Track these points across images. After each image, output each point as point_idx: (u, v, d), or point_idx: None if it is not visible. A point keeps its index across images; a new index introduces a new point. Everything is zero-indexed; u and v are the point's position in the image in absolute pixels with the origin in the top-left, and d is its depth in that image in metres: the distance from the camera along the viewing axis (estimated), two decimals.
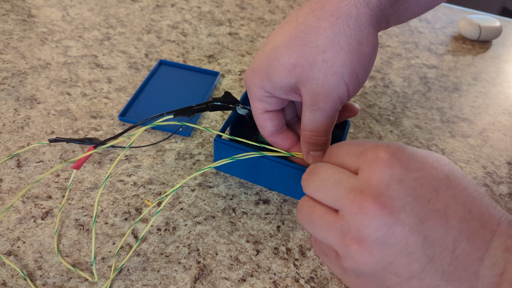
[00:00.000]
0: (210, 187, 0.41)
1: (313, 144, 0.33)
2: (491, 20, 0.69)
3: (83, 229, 0.36)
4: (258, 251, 0.36)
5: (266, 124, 0.34)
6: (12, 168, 0.40)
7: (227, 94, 0.38)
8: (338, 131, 0.42)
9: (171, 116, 0.35)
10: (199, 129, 0.47)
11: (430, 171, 0.22)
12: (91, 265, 0.34)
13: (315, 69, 0.28)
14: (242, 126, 0.44)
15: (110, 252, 0.35)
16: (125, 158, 0.43)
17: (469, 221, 0.21)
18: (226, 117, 0.49)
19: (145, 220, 0.37)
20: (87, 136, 0.44)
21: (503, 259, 0.20)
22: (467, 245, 0.20)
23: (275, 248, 0.36)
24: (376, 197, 0.21)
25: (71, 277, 0.33)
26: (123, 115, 0.47)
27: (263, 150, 0.36)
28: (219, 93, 0.52)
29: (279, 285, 0.34)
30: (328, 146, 0.33)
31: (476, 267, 0.20)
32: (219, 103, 0.37)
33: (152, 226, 0.37)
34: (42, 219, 0.36)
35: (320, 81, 0.29)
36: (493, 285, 0.20)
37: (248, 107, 0.38)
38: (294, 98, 0.32)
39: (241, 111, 0.39)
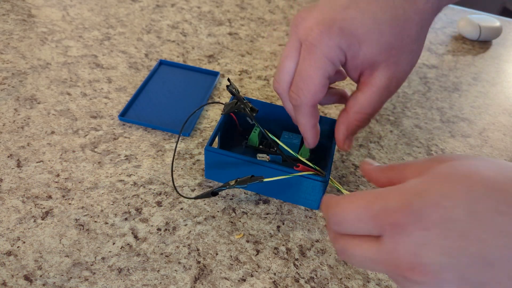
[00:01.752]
0: (210, 187, 0.41)
1: (359, 127, 0.33)
2: (491, 20, 0.69)
3: (83, 229, 0.36)
4: (258, 251, 0.36)
5: (320, 90, 0.31)
6: (12, 168, 0.40)
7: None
8: (327, 140, 0.42)
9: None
10: (198, 128, 0.47)
11: (450, 215, 0.19)
12: (91, 265, 0.34)
13: (403, 56, 0.30)
14: (232, 131, 0.45)
15: (110, 252, 0.35)
16: (125, 158, 0.43)
17: None
18: None
19: (145, 220, 0.37)
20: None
21: None
22: None
23: (275, 248, 0.36)
24: (414, 269, 0.20)
25: (71, 277, 0.33)
26: (123, 115, 0.47)
27: (253, 158, 0.38)
28: (219, 93, 0.52)
29: (279, 285, 0.34)
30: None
31: None
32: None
33: (152, 226, 0.37)
34: (42, 219, 0.36)
35: (402, 68, 0.30)
36: None
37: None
38: (353, 74, 0.31)
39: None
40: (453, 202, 0.20)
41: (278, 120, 0.44)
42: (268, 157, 0.40)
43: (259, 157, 0.40)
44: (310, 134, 0.34)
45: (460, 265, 0.19)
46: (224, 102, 0.48)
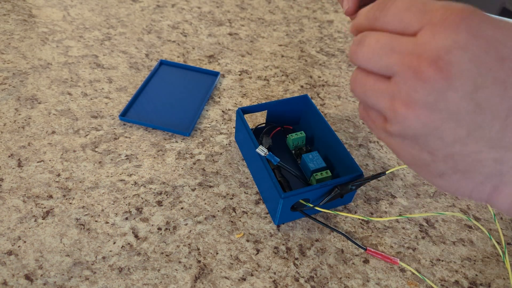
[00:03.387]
0: (211, 186, 0.41)
1: None
2: None
3: (83, 228, 0.36)
4: (258, 250, 0.36)
5: None
6: (13, 168, 0.40)
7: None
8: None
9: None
10: (199, 128, 0.47)
11: (502, 39, 0.20)
12: (92, 264, 0.34)
13: None
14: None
15: (110, 251, 0.35)
16: (125, 157, 0.43)
17: None
18: (226, 116, 0.49)
19: (145, 220, 0.38)
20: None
21: None
22: None
23: (275, 248, 0.37)
24: (434, 61, 0.20)
25: (71, 276, 0.33)
26: (123, 115, 0.47)
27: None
28: (219, 93, 0.52)
29: (279, 284, 0.34)
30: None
31: None
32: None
33: (152, 225, 0.37)
34: (43, 218, 0.37)
35: None
36: None
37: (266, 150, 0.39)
38: None
39: (260, 150, 0.39)
40: (508, 32, 0.20)
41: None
42: (266, 152, 0.39)
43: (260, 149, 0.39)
44: None
45: (478, 80, 0.19)
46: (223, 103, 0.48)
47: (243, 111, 0.42)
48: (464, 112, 0.20)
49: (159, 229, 0.37)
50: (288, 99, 0.44)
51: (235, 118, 0.49)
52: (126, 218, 0.37)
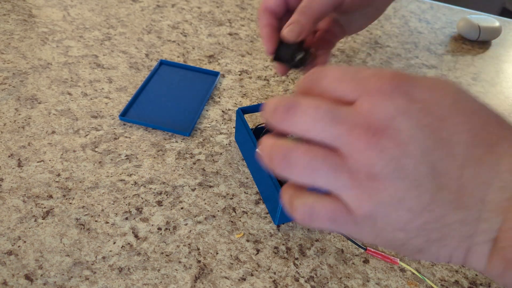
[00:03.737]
0: (211, 186, 0.41)
1: (301, 13, 0.34)
2: (490, 21, 0.69)
3: (83, 228, 0.36)
4: (258, 250, 0.36)
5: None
6: (13, 168, 0.40)
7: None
8: None
9: None
10: (199, 128, 0.47)
11: (436, 99, 0.21)
12: (92, 264, 0.34)
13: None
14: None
15: (110, 251, 0.35)
16: (125, 157, 0.43)
17: (475, 147, 0.20)
18: (226, 117, 0.49)
19: (145, 220, 0.38)
20: (88, 136, 0.44)
21: (511, 182, 0.20)
22: (473, 171, 0.20)
23: (275, 247, 0.37)
24: (383, 130, 0.20)
25: (71, 276, 0.33)
26: (123, 115, 0.47)
27: None
28: (219, 93, 0.52)
29: (279, 284, 0.34)
30: (307, 29, 0.34)
31: (484, 192, 0.20)
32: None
33: (152, 225, 0.37)
34: (43, 218, 0.37)
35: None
36: (502, 209, 0.20)
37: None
38: None
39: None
40: (443, 92, 0.21)
41: None
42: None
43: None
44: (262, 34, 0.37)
45: (426, 143, 0.20)
46: (223, 102, 0.48)
47: (243, 111, 0.42)
48: (423, 176, 0.20)
49: (159, 229, 0.37)
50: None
51: (235, 118, 0.49)
52: (126, 218, 0.37)
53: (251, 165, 0.42)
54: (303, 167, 0.22)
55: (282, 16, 0.38)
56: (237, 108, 0.41)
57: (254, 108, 0.43)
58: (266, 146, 0.23)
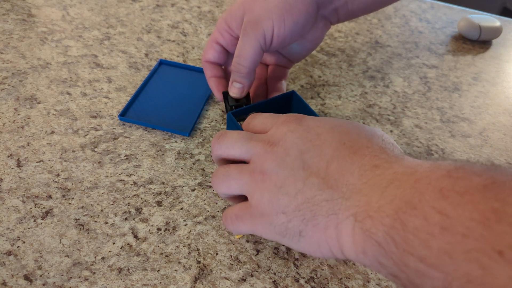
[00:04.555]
0: (210, 187, 0.41)
1: (237, 72, 0.39)
2: (491, 20, 0.69)
3: (83, 228, 0.36)
4: (258, 251, 0.36)
5: (209, 50, 0.43)
6: (12, 168, 0.40)
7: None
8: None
9: None
10: (198, 128, 0.47)
11: (318, 124, 0.30)
12: (91, 265, 0.34)
13: (256, 5, 0.37)
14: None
15: (110, 251, 0.35)
16: (125, 157, 0.43)
17: (341, 150, 0.27)
18: (226, 116, 0.49)
19: (145, 220, 0.37)
20: (88, 136, 0.44)
21: (370, 172, 0.25)
22: (338, 164, 0.27)
23: (275, 248, 0.36)
24: (277, 141, 0.29)
25: (71, 277, 0.33)
26: (123, 115, 0.47)
27: None
28: None
29: (279, 285, 0.34)
30: (248, 84, 0.41)
31: (347, 178, 0.26)
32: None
33: (152, 226, 0.37)
34: (42, 218, 0.36)
35: (255, 13, 0.37)
36: (361, 189, 0.25)
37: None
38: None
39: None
40: (326, 121, 0.30)
41: None
42: None
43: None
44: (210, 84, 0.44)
45: (303, 147, 0.28)
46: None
47: (233, 114, 0.40)
48: (297, 168, 0.28)
49: (159, 229, 0.37)
50: (275, 98, 0.43)
51: None
52: (126, 219, 0.37)
53: None
54: (222, 177, 0.31)
55: (225, 62, 0.44)
56: (228, 112, 0.40)
57: (244, 111, 0.41)
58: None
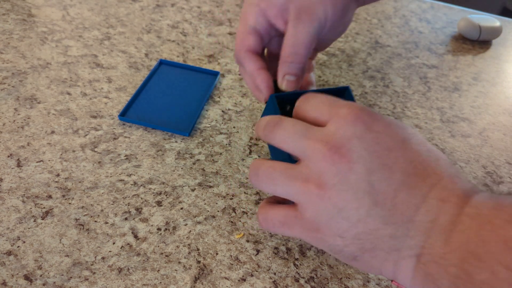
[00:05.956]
0: (210, 186, 0.41)
1: (291, 63, 0.33)
2: (491, 20, 0.69)
3: (83, 228, 0.36)
4: (258, 251, 0.36)
5: (249, 37, 0.35)
6: (12, 168, 0.40)
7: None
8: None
9: None
10: (198, 128, 0.47)
11: (389, 134, 0.25)
12: (91, 264, 0.34)
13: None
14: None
15: (110, 251, 0.35)
16: (125, 157, 0.43)
17: (411, 176, 0.24)
18: (226, 116, 0.49)
19: (145, 220, 0.37)
20: (87, 136, 0.44)
21: (437, 208, 0.23)
22: (406, 195, 0.24)
23: (275, 248, 0.36)
24: (338, 148, 0.24)
25: (71, 277, 0.33)
26: (123, 114, 0.47)
27: None
28: (219, 93, 0.52)
29: (279, 284, 0.34)
30: (303, 75, 0.34)
31: (412, 213, 0.23)
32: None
33: (152, 225, 0.37)
34: (42, 218, 0.36)
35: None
36: (426, 229, 0.23)
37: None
38: (280, 25, 0.34)
39: None
40: (397, 130, 0.26)
41: None
42: None
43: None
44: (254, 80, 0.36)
45: (371, 166, 0.24)
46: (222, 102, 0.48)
47: (277, 98, 0.33)
48: (362, 192, 0.24)
49: (159, 229, 0.37)
50: (327, 89, 0.35)
51: (235, 118, 0.49)
52: (126, 218, 0.37)
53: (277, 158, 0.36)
54: (266, 178, 0.27)
55: (262, 52, 0.37)
56: (270, 95, 0.34)
57: (291, 96, 0.33)
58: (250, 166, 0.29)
